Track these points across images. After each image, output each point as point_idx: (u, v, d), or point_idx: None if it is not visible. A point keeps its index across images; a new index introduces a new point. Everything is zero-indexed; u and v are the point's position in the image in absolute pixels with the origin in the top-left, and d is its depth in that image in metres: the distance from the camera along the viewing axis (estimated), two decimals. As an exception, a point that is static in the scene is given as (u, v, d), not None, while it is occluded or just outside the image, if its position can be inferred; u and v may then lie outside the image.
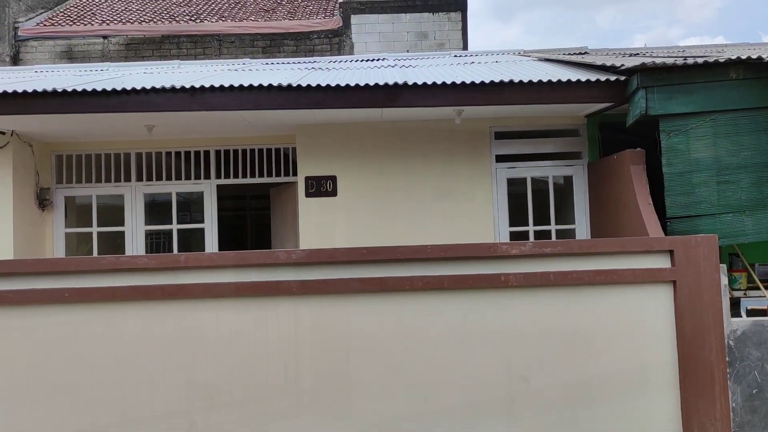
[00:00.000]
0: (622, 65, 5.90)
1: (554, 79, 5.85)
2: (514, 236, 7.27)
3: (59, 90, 5.84)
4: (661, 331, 4.18)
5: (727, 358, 4.22)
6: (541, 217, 7.32)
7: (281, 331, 4.27)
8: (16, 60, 14.59)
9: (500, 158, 7.33)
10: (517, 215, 7.31)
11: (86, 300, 4.14)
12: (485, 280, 4.29)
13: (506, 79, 5.87)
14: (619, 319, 4.24)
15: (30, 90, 5.80)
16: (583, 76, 6.05)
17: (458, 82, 5.90)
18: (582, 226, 7.25)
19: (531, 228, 7.28)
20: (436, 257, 4.29)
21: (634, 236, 5.68)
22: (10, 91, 5.78)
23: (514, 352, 4.20)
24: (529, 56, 9.20)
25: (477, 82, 5.87)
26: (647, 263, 4.25)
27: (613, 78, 5.90)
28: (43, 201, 7.53)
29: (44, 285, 4.08)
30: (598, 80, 5.89)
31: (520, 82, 5.85)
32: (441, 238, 6.85)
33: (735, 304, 5.97)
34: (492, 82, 5.86)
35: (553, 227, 7.28)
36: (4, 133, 7.01)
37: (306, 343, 4.23)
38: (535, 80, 5.84)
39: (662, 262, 4.23)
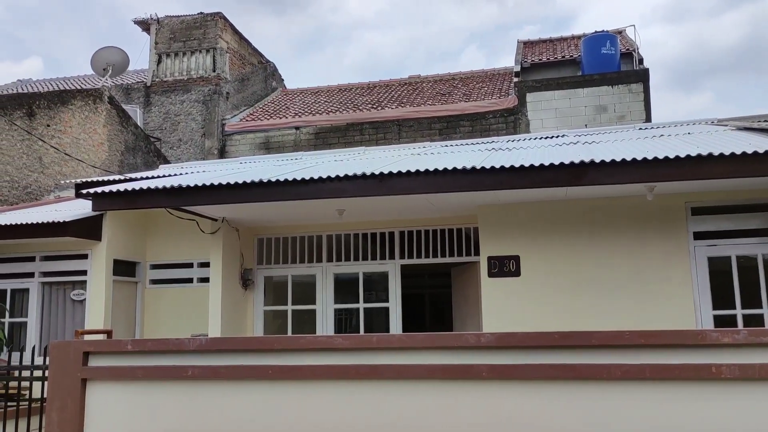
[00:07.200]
0: (843, 131, 5.32)
1: (761, 150, 5.40)
2: (718, 321, 6.62)
3: (265, 180, 6.44)
4: None
5: None
6: (750, 300, 6.62)
7: (470, 416, 4.19)
8: (222, 152, 16.42)
9: (698, 235, 6.81)
10: (721, 297, 6.67)
11: (287, 377, 4.39)
12: (693, 370, 3.93)
13: (704, 152, 5.52)
14: None
15: (240, 182, 6.46)
16: (795, 145, 5.53)
17: (649, 157, 5.64)
18: (801, 311, 6.44)
19: (738, 311, 6.60)
20: (635, 344, 4.02)
21: None
22: (224, 183, 6.49)
23: (732, 455, 3.76)
24: (725, 125, 8.60)
25: (671, 156, 5.58)
26: None
27: (831, 146, 5.32)
28: (246, 281, 8.22)
29: (252, 362, 4.39)
30: (813, 149, 5.34)
31: (721, 154, 5.47)
32: (632, 322, 6.42)
33: None
34: (688, 156, 5.54)
35: (765, 311, 6.54)
36: (216, 220, 7.83)
37: (496, 430, 4.11)
38: (738, 152, 5.43)
39: None
